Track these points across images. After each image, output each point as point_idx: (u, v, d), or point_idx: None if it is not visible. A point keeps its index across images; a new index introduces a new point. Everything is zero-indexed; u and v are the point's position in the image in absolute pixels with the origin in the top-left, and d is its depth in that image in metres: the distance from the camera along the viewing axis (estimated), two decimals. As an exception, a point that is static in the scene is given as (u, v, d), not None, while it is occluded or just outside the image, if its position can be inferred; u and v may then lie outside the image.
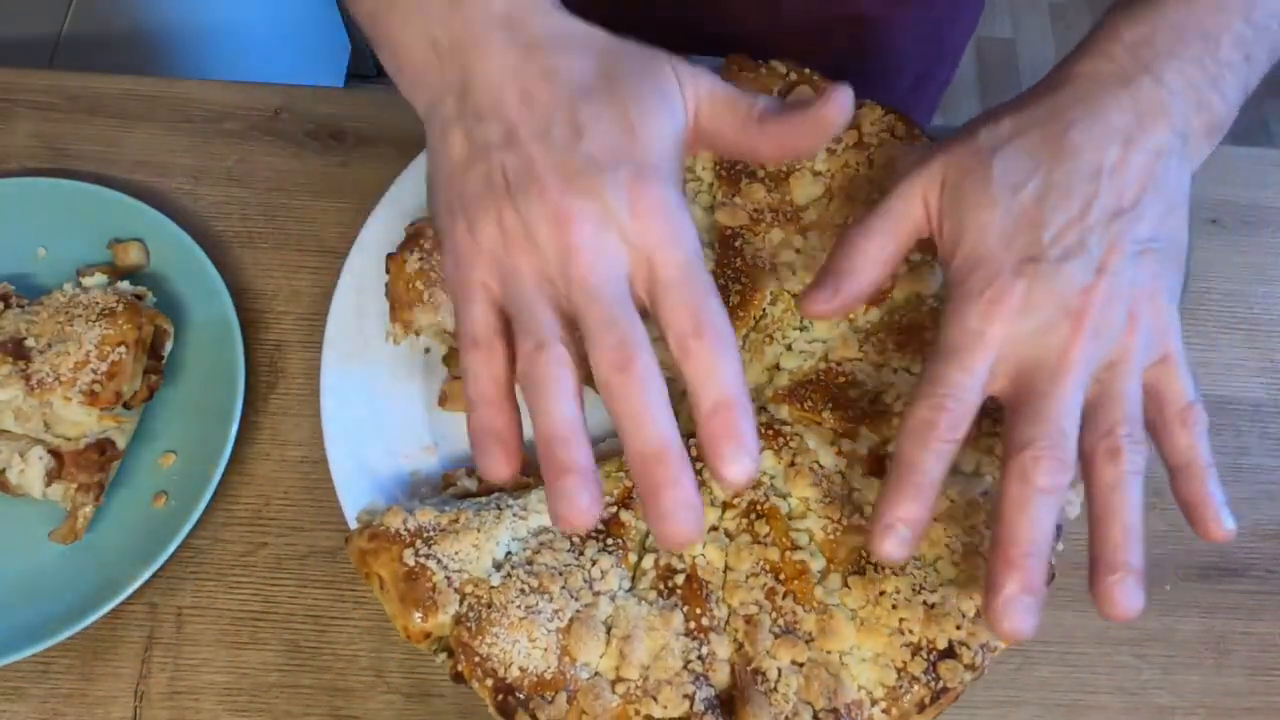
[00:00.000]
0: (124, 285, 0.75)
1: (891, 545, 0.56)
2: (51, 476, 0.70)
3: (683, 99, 0.54)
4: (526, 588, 0.62)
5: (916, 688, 0.60)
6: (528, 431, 0.52)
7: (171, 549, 0.69)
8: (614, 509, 0.66)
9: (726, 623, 0.63)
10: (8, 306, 0.75)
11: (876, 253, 0.62)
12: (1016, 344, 0.56)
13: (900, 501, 0.56)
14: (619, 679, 0.60)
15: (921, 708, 0.60)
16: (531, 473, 0.72)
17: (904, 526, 0.55)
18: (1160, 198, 0.57)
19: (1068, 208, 0.57)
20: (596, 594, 0.63)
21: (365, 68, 2.25)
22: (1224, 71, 0.59)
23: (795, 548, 0.64)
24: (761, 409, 0.71)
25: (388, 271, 0.73)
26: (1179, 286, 0.59)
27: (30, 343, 0.72)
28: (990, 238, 0.57)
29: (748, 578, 0.63)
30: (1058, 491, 0.55)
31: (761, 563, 0.64)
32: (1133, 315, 0.56)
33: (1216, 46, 0.59)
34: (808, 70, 0.79)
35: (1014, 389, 0.57)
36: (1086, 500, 0.57)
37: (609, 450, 0.73)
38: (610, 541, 0.65)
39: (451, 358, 0.77)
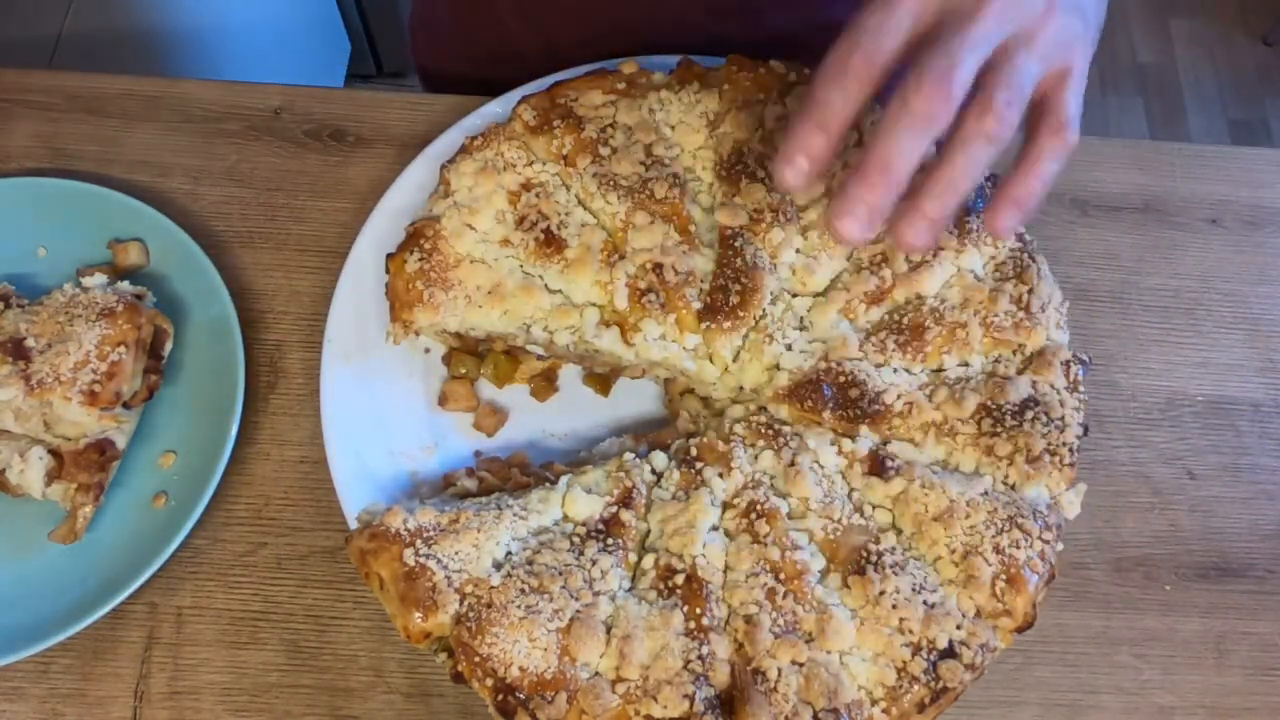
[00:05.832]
0: (124, 285, 0.75)
1: (791, 175, 0.57)
2: (51, 476, 0.70)
3: None
4: (526, 588, 0.62)
5: (916, 688, 0.60)
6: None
7: (171, 549, 0.69)
8: (614, 509, 0.66)
9: (726, 623, 0.63)
10: (8, 306, 0.75)
11: None
12: None
13: (806, 134, 0.56)
14: (619, 679, 0.60)
15: (921, 708, 0.60)
16: (530, 473, 0.72)
17: (804, 159, 0.57)
18: None
19: None
20: (596, 594, 0.63)
21: (365, 68, 2.24)
22: None
23: (795, 548, 0.64)
24: (761, 409, 0.71)
25: (388, 271, 0.73)
26: (1097, 21, 0.60)
27: (30, 343, 0.72)
28: None
29: (748, 578, 0.63)
30: (933, 121, 0.54)
31: (761, 563, 0.63)
32: (1050, 7, 0.57)
33: None
34: (807, 71, 0.79)
35: (927, 31, 0.57)
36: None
37: (609, 450, 0.73)
38: (610, 541, 0.65)
39: (451, 358, 0.77)
